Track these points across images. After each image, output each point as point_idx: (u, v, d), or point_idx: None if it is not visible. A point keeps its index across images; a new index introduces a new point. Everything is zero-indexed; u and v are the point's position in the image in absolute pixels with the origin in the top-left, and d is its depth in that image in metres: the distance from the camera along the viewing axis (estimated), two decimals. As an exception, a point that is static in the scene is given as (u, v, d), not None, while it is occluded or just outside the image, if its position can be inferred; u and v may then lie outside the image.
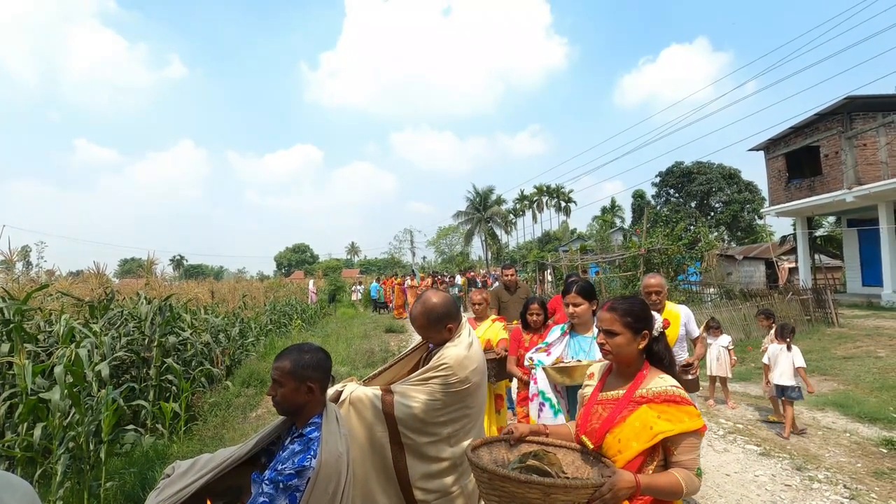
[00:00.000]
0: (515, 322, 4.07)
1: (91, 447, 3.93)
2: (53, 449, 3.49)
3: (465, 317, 2.35)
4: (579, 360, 2.58)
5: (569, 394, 2.71)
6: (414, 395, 1.91)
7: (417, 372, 2.01)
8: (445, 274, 24.85)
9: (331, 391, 2.00)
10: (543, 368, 2.67)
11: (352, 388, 1.97)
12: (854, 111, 15.75)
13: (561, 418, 2.61)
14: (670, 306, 3.59)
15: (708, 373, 6.33)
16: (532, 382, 2.82)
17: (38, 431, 3.48)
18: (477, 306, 4.20)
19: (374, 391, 1.95)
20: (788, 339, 5.26)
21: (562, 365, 2.58)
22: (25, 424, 3.62)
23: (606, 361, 1.81)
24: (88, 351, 4.20)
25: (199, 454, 1.80)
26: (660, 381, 1.63)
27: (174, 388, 5.45)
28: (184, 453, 4.41)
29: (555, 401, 2.68)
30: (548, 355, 2.79)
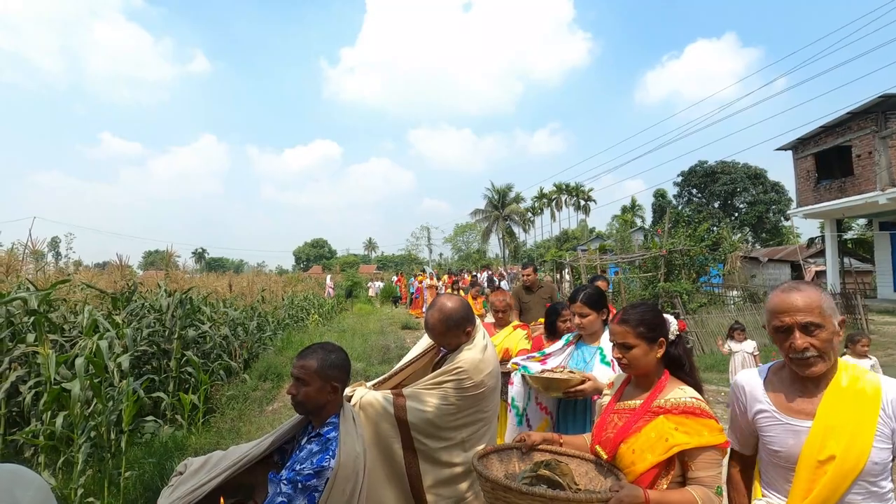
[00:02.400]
0: (533, 323, 3.94)
1: (112, 436, 4.02)
2: (75, 438, 3.57)
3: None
4: (572, 372, 2.48)
5: (559, 408, 2.59)
6: (427, 399, 1.88)
7: (430, 375, 1.98)
8: (467, 271, 24.37)
9: None
10: (523, 376, 2.56)
11: (362, 393, 1.94)
12: (889, 110, 15.15)
13: (524, 427, 2.51)
14: (855, 370, 1.41)
15: (731, 381, 6.18)
16: (508, 385, 2.71)
17: (59, 420, 3.56)
18: (500, 314, 3.75)
19: (385, 395, 1.92)
20: (845, 349, 4.89)
21: (547, 375, 2.48)
22: (49, 413, 3.70)
23: (623, 373, 1.75)
24: (110, 343, 4.28)
25: (217, 446, 1.81)
26: (679, 392, 1.57)
27: (193, 380, 5.54)
28: (201, 445, 4.48)
29: (521, 408, 2.58)
30: (542, 364, 2.64)
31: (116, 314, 5.22)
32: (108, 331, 4.48)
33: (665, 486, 1.48)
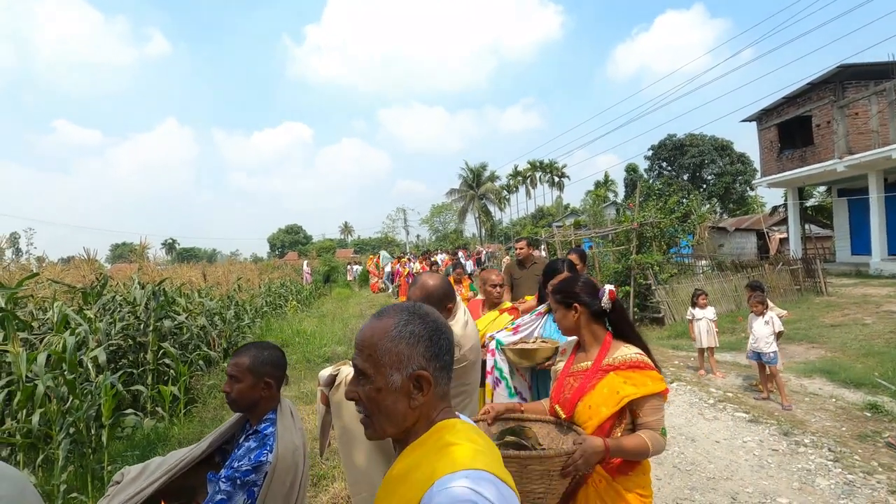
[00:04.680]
0: (529, 297, 3.97)
1: (92, 432, 3.98)
2: (53, 435, 3.53)
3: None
4: (544, 341, 2.59)
5: (536, 377, 2.72)
6: None
7: None
8: (439, 252, 24.46)
9: (325, 374, 2.01)
10: (502, 349, 2.66)
11: (347, 371, 1.99)
12: (846, 80, 15.67)
13: (516, 400, 2.61)
14: (426, 456, 0.91)
15: (697, 346, 6.42)
16: (489, 355, 2.74)
17: (36, 417, 3.51)
18: (497, 288, 3.36)
19: None
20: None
21: (521, 346, 2.57)
22: (25, 411, 3.64)
23: (575, 338, 1.92)
24: (79, 338, 4.21)
25: (200, 435, 1.83)
26: (625, 350, 1.74)
27: (172, 371, 5.49)
28: (185, 435, 4.48)
29: (511, 381, 2.69)
30: (514, 334, 2.75)
31: (87, 309, 5.11)
32: (80, 325, 4.39)
33: (619, 434, 1.66)
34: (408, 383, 0.92)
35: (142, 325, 5.57)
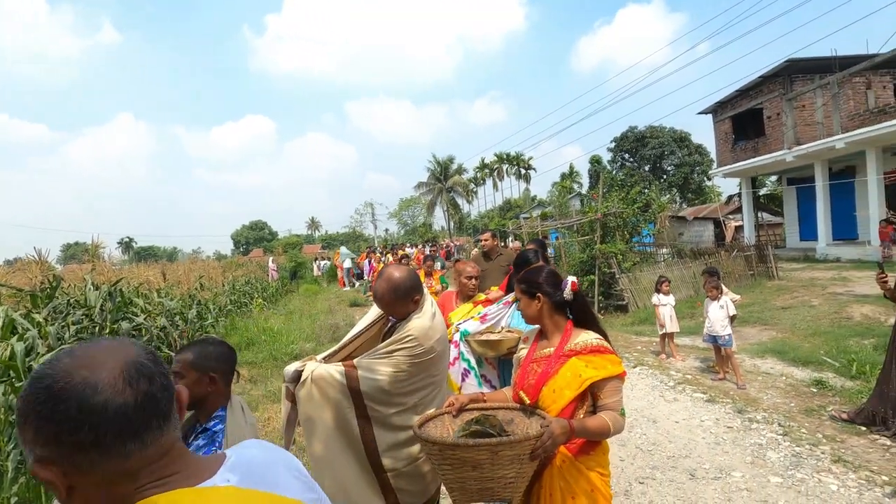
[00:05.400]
0: (494, 288, 3.99)
1: (45, 441, 3.80)
2: (1, 446, 3.35)
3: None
4: (510, 331, 2.64)
5: (503, 364, 2.76)
6: (379, 369, 1.92)
7: (382, 345, 2.01)
8: (408, 245, 24.34)
9: (290, 369, 1.98)
10: (466, 340, 2.70)
11: (313, 367, 1.96)
12: (794, 73, 16.45)
13: (484, 389, 2.66)
14: None
15: (662, 331, 6.64)
16: (453, 346, 2.76)
17: (-17, 429, 3.33)
18: (472, 280, 3.32)
19: (336, 367, 1.95)
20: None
21: (486, 337, 2.60)
22: (-31, 423, 3.44)
23: (537, 326, 1.97)
24: (28, 344, 3.99)
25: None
26: (585, 336, 1.82)
27: (131, 375, 5.29)
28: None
29: (479, 370, 2.73)
30: (482, 323, 2.79)
31: (36, 312, 4.85)
32: (29, 330, 4.17)
33: (582, 416, 1.73)
34: (50, 478, 0.67)
35: (97, 328, 5.34)
